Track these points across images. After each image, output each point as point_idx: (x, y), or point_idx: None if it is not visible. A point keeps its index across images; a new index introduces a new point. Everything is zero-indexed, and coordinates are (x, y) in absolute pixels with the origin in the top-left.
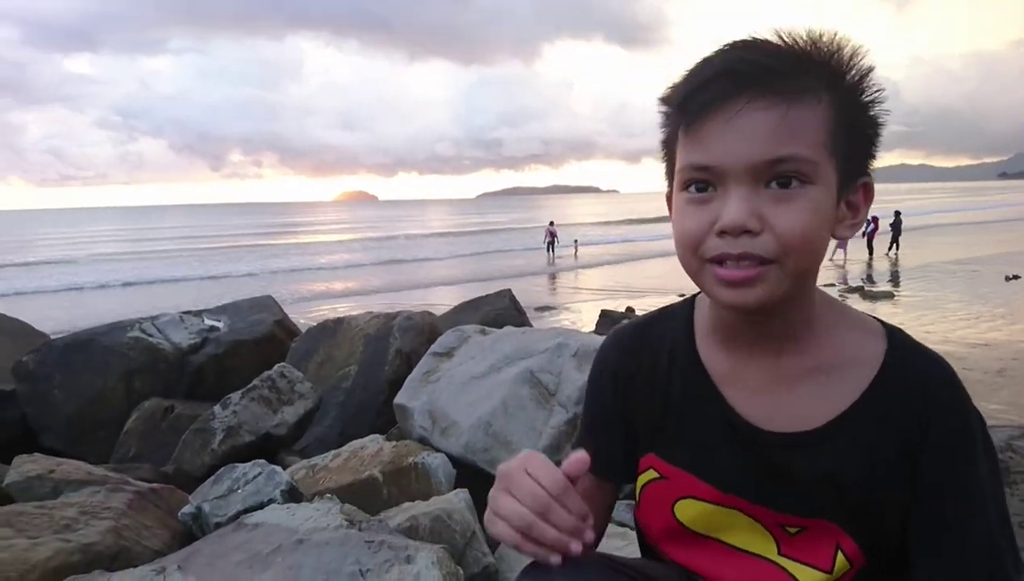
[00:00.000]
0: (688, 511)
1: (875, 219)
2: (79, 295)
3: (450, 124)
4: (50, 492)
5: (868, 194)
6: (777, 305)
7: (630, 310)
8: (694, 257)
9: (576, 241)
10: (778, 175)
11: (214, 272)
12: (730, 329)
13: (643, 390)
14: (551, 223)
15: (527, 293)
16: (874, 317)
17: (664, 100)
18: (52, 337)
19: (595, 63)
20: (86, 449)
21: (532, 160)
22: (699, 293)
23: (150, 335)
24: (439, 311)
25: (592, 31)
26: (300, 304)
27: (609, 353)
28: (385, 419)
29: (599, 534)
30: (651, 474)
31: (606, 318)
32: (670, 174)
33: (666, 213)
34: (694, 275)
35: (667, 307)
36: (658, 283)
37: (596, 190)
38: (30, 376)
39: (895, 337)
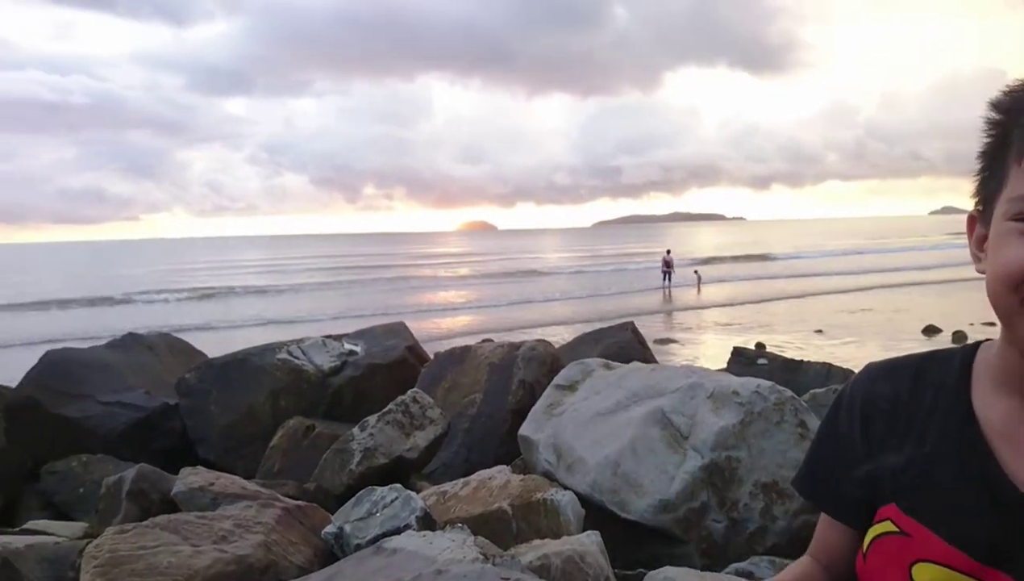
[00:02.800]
0: (928, 575)
1: None
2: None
3: (568, 154)
4: (209, 503)
5: None
6: None
7: (760, 346)
8: (1013, 294)
9: (697, 271)
10: None
11: (348, 298)
12: (1021, 381)
13: (895, 431)
14: (667, 252)
15: (643, 325)
16: None
17: (998, 106)
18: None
19: (719, 88)
20: (235, 462)
21: (651, 187)
22: (984, 341)
23: (296, 357)
24: (550, 339)
25: (716, 57)
26: (420, 330)
27: (862, 385)
28: (508, 448)
29: None
30: (888, 526)
31: (739, 356)
32: (985, 191)
33: (792, 245)
34: (1006, 314)
35: (940, 350)
36: (788, 316)
37: (720, 218)
38: (191, 391)
39: None
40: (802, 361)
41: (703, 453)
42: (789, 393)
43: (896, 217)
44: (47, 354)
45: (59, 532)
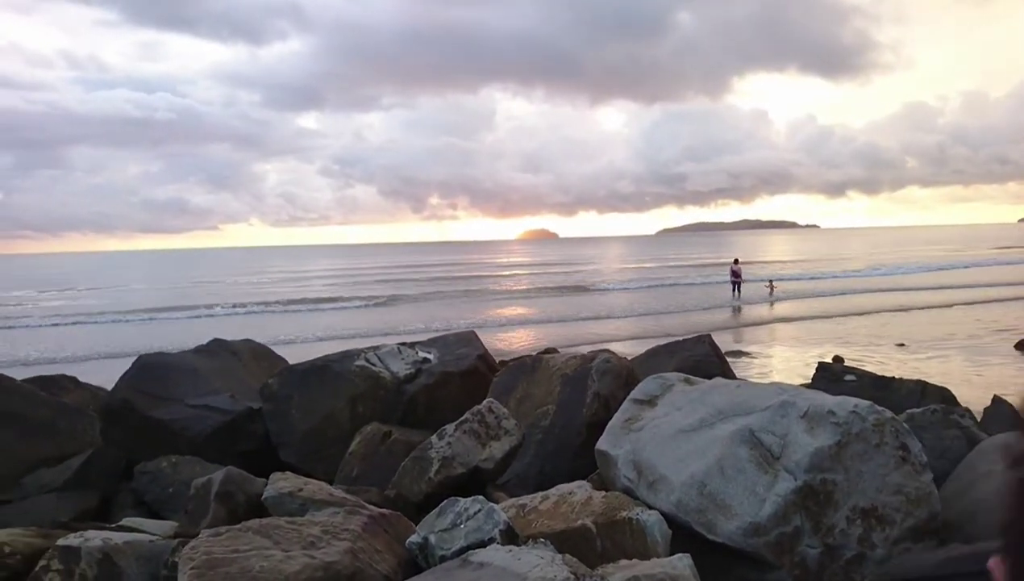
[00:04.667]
0: None
1: None
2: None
3: (631, 161)
4: (298, 509)
5: None
6: None
7: (838, 359)
8: None
9: (771, 281)
10: None
11: (416, 305)
12: None
13: None
14: (735, 261)
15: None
16: None
17: None
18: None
19: (790, 93)
20: (315, 465)
21: (719, 194)
22: None
23: (373, 364)
24: (616, 351)
25: (786, 61)
26: (486, 338)
27: None
28: (583, 462)
29: None
30: None
31: (825, 372)
32: None
33: (872, 251)
34: None
35: None
36: (866, 330)
37: (792, 225)
38: (274, 396)
39: None
40: (893, 378)
41: (796, 475)
42: (889, 414)
43: (982, 225)
44: (140, 358)
45: (152, 530)
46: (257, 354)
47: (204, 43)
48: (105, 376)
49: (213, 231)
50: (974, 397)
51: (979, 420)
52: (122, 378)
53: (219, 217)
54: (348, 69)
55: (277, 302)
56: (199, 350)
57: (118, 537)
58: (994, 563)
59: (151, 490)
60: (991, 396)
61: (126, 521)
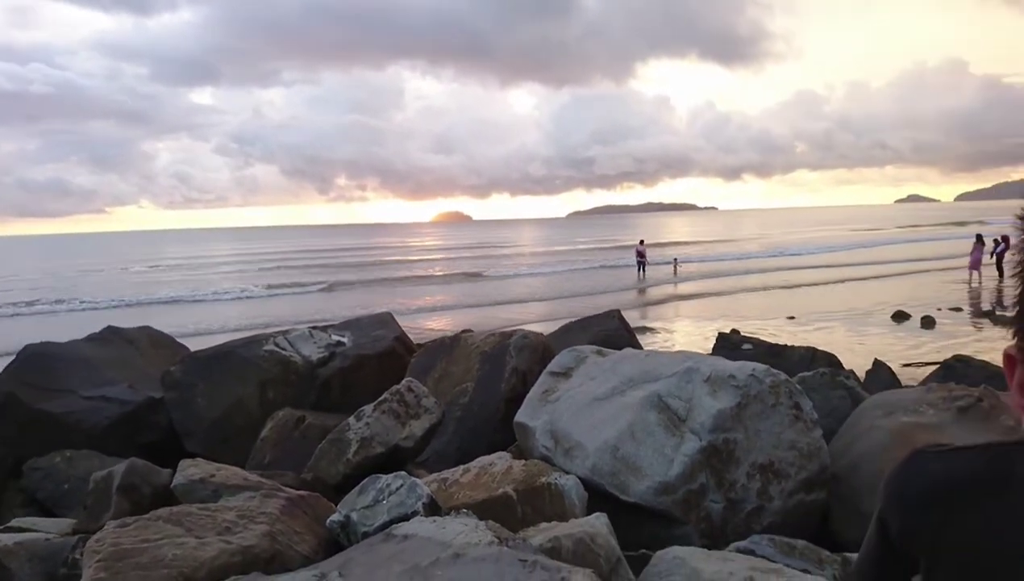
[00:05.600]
0: None
1: (1006, 238)
2: (212, 306)
3: (542, 145)
4: (211, 495)
5: None
6: None
7: (735, 332)
8: None
9: (676, 259)
10: None
11: (327, 288)
12: None
13: (973, 521)
14: (641, 242)
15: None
16: None
17: None
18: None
19: (690, 80)
20: (224, 455)
21: (625, 178)
22: None
23: (283, 348)
24: (532, 328)
25: (687, 48)
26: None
27: (935, 471)
28: (502, 436)
29: None
30: None
31: (724, 341)
32: None
33: (765, 231)
34: None
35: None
36: (761, 305)
37: (693, 208)
38: (177, 385)
39: None
40: (786, 346)
41: (701, 436)
42: (783, 376)
43: (864, 205)
44: (25, 348)
45: (46, 529)
46: (156, 342)
47: (83, 11)
48: None
49: (99, 214)
50: (857, 362)
51: (862, 382)
52: (5, 370)
53: (105, 199)
54: (245, 42)
55: (169, 294)
56: (91, 338)
57: (7, 538)
58: (1009, 348)
59: (44, 487)
60: (870, 361)
61: (15, 522)
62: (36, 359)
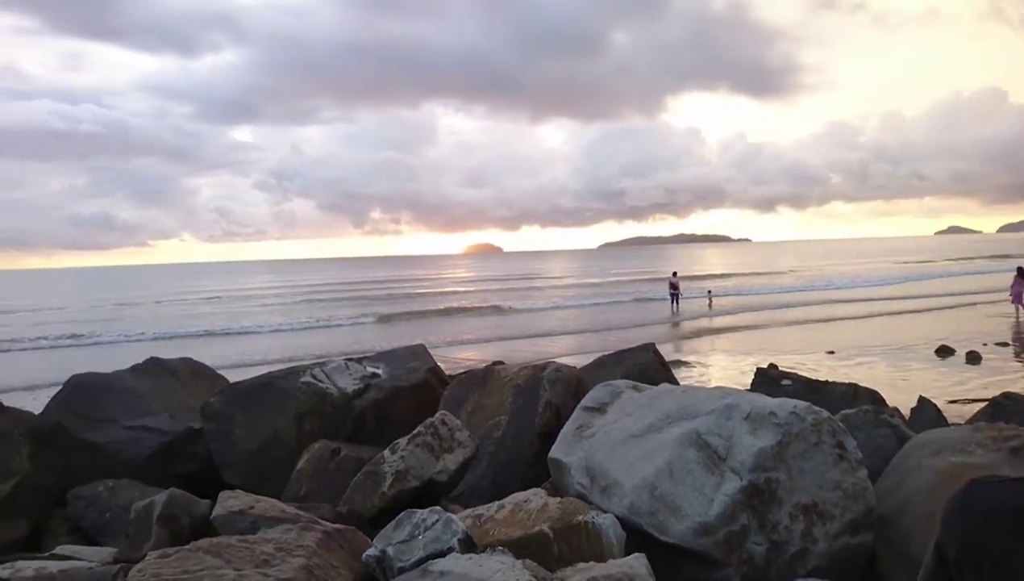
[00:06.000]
0: None
1: None
2: (249, 338)
3: (572, 178)
4: (249, 527)
5: None
6: None
7: (773, 366)
8: None
9: (710, 291)
10: None
11: (359, 319)
12: None
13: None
14: (674, 274)
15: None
16: None
17: None
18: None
19: (721, 112)
20: (261, 486)
21: (656, 209)
22: None
23: (320, 380)
24: (563, 361)
25: (717, 81)
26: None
27: (994, 500)
28: (535, 472)
29: None
30: None
31: (763, 377)
32: None
33: (801, 263)
34: None
35: None
36: (800, 340)
37: (726, 239)
38: (216, 415)
39: None
40: (827, 381)
41: (742, 475)
42: (826, 414)
43: (903, 237)
44: (72, 378)
45: (89, 557)
46: (196, 373)
47: (132, 54)
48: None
49: (143, 247)
50: (900, 399)
51: (907, 420)
52: (53, 399)
53: (149, 233)
54: (285, 82)
55: (207, 327)
56: (135, 369)
57: (52, 566)
58: None
59: (87, 515)
60: (915, 397)
61: (60, 549)
62: (82, 389)
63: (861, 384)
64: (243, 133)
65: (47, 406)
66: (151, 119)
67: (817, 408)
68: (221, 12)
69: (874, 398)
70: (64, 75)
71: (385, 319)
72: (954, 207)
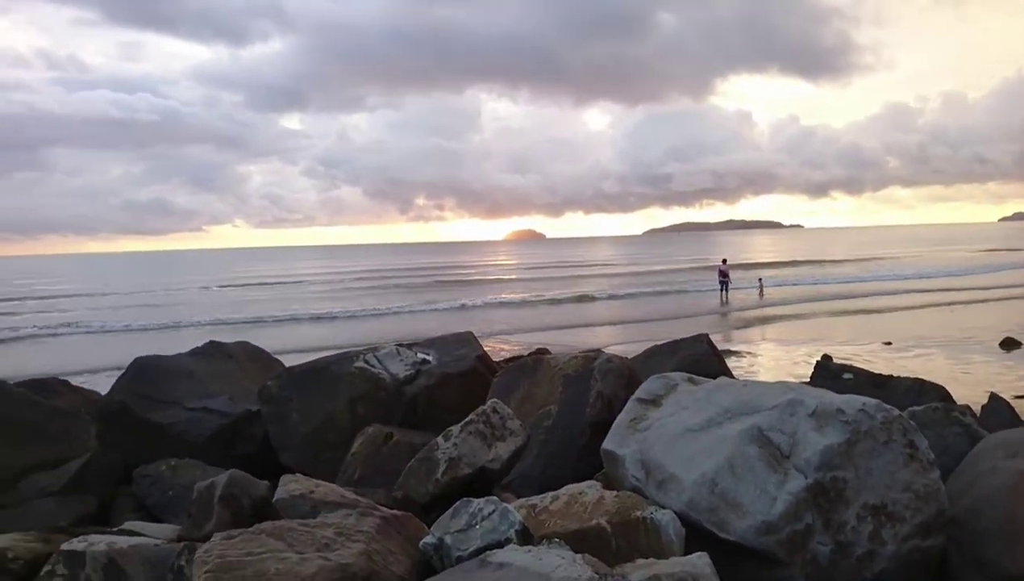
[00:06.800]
0: None
1: None
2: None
3: (616, 162)
4: (309, 511)
5: None
6: None
7: (827, 358)
8: None
9: (761, 280)
10: None
11: (406, 306)
12: None
13: None
14: (723, 261)
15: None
16: None
17: None
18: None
19: (772, 94)
20: (316, 468)
21: (704, 195)
22: None
23: (373, 366)
24: (609, 351)
25: (768, 63)
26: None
27: None
28: (586, 462)
29: None
30: None
31: (823, 370)
32: None
33: (855, 251)
34: None
35: None
36: (854, 330)
37: (777, 225)
38: (273, 399)
39: None
40: (891, 376)
41: (807, 473)
42: (897, 412)
43: (964, 223)
44: (136, 360)
45: (154, 534)
46: (253, 356)
47: (185, 44)
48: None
49: (197, 232)
50: (962, 393)
51: (977, 417)
52: (119, 380)
53: (203, 218)
54: (332, 70)
55: (259, 313)
56: (195, 352)
57: (122, 541)
58: None
59: (151, 494)
60: (981, 393)
61: (127, 525)
62: (146, 371)
63: (922, 378)
64: (292, 121)
65: (112, 387)
66: (203, 107)
67: (888, 406)
68: (270, 1)
69: (942, 394)
70: (121, 65)
71: (431, 304)
72: (1019, 192)
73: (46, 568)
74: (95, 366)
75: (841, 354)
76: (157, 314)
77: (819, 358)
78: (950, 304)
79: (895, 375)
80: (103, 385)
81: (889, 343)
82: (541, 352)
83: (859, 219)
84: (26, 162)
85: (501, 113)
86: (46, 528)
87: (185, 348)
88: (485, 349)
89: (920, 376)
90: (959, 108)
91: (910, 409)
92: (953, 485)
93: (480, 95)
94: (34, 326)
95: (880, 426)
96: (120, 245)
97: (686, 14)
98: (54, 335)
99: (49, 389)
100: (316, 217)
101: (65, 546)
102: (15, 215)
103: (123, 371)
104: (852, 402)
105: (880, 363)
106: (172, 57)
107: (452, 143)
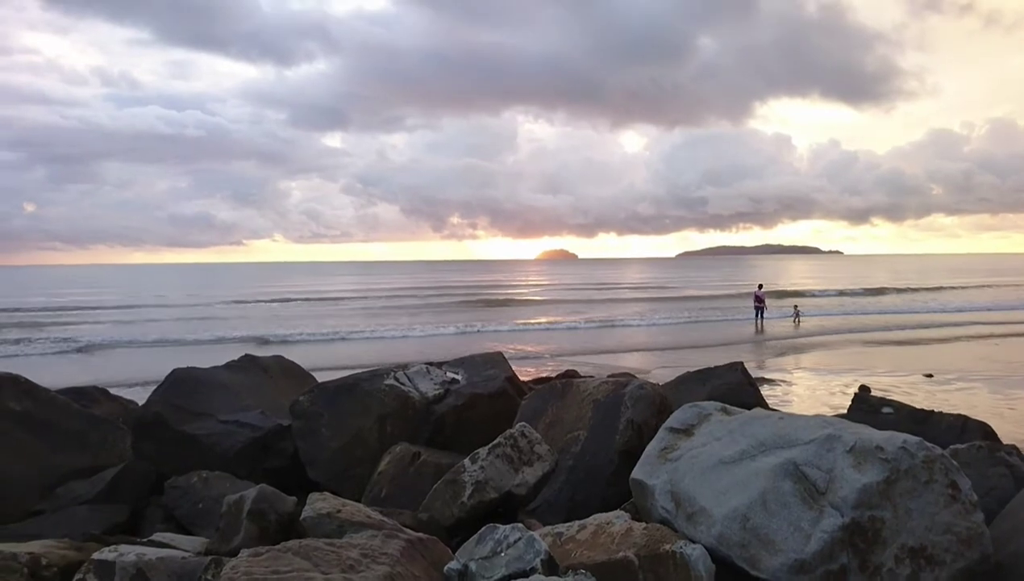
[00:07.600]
0: None
1: None
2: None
3: (651, 184)
4: (335, 530)
5: None
6: None
7: (865, 388)
8: None
9: (797, 307)
10: None
11: (436, 324)
12: None
13: None
14: (759, 287)
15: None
16: None
17: None
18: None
19: (812, 119)
20: (343, 484)
21: (740, 218)
22: None
23: (403, 384)
24: (640, 376)
25: (808, 87)
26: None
27: None
28: (615, 490)
29: None
30: None
31: (861, 403)
32: None
33: (897, 279)
34: None
35: None
36: (894, 361)
37: (815, 251)
38: (304, 414)
39: None
40: (932, 411)
41: (843, 511)
42: (939, 451)
43: (1011, 254)
44: (174, 372)
45: (183, 546)
46: (287, 371)
47: (233, 63)
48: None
49: (238, 246)
50: (1007, 430)
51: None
52: (155, 391)
53: (244, 232)
54: (373, 90)
55: (302, 332)
56: (230, 365)
57: (151, 552)
58: None
59: (181, 505)
60: None
61: (157, 536)
62: (182, 383)
63: (965, 413)
64: (333, 139)
65: (149, 397)
66: (248, 124)
67: (929, 444)
68: (315, 22)
69: (986, 432)
70: (171, 83)
71: (461, 323)
72: None
73: (77, 576)
74: (138, 379)
75: (880, 385)
76: (199, 327)
77: (856, 389)
78: (994, 336)
79: (937, 410)
80: (140, 396)
81: (930, 375)
82: (570, 375)
83: (900, 246)
84: (79, 174)
85: (537, 134)
86: (79, 535)
87: (223, 361)
88: (514, 370)
89: (963, 411)
90: (1007, 135)
91: (952, 447)
92: (997, 529)
93: (517, 117)
94: (88, 339)
95: (921, 465)
96: (163, 257)
97: (726, 39)
98: (103, 347)
99: (88, 397)
100: (353, 233)
101: (96, 555)
102: (67, 225)
103: (160, 382)
104: (892, 439)
105: (920, 396)
106: (221, 76)
107: (487, 163)
